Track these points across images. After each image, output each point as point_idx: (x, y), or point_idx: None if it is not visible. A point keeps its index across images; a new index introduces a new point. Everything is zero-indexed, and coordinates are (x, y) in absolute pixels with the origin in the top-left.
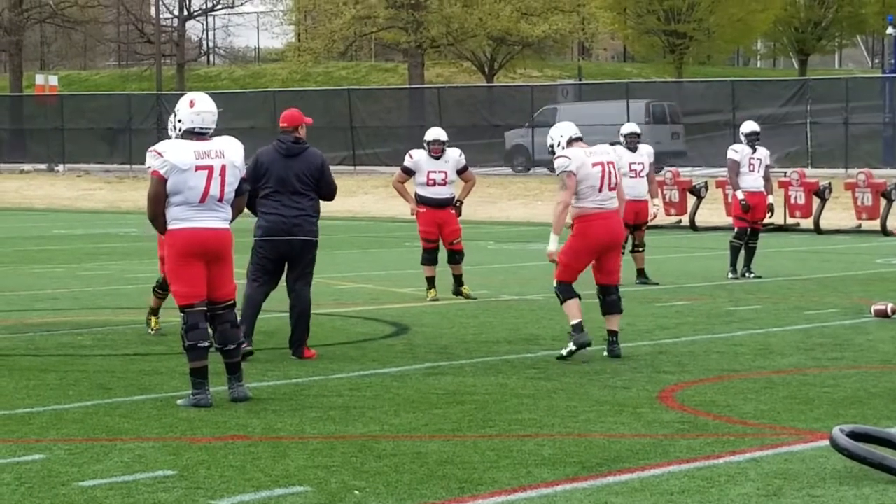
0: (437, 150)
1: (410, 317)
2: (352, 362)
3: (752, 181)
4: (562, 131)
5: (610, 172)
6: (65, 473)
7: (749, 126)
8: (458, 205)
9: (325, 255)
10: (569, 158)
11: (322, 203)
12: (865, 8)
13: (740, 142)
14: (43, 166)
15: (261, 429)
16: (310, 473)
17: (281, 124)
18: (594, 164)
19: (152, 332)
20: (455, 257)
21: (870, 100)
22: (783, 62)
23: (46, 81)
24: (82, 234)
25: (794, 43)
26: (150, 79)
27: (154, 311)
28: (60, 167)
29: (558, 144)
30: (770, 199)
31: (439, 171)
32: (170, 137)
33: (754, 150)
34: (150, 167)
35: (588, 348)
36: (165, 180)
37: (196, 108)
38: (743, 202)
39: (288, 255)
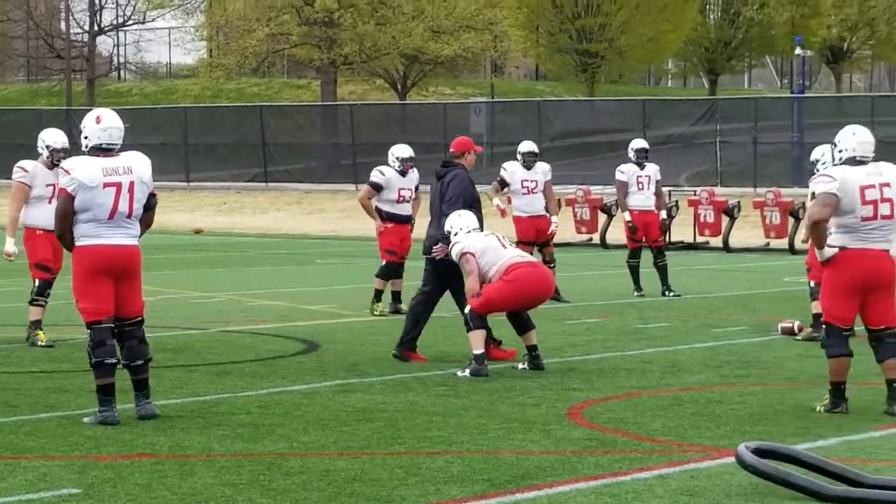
0: (409, 167)
1: (321, 334)
2: (261, 379)
3: (642, 200)
4: (462, 223)
5: (502, 237)
6: None
7: (638, 143)
8: (412, 223)
9: (236, 272)
10: (460, 242)
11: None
12: (774, 29)
13: (630, 160)
14: None
15: (168, 447)
16: (217, 491)
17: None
18: (486, 235)
19: (41, 345)
20: (400, 271)
21: (778, 119)
22: (693, 82)
23: None
24: None
25: (704, 63)
26: (59, 94)
27: (37, 324)
28: None
29: (456, 234)
30: (662, 214)
31: (407, 189)
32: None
33: (642, 168)
34: (14, 181)
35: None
36: (73, 198)
37: (103, 124)
38: (630, 224)
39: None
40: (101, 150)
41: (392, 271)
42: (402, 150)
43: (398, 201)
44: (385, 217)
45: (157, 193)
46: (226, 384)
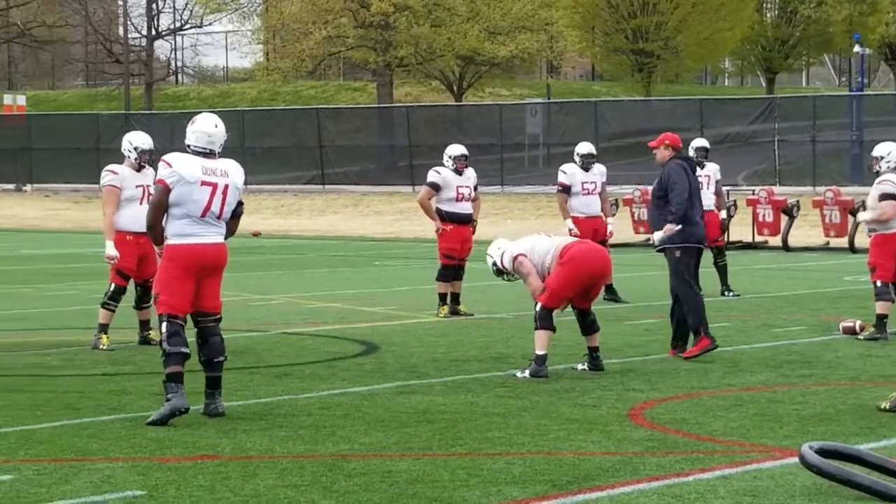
0: (463, 166)
1: (380, 335)
2: (321, 381)
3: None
4: (502, 247)
5: (542, 232)
6: (33, 494)
7: (698, 142)
8: (474, 224)
9: (294, 275)
10: (508, 250)
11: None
12: (832, 26)
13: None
14: (11, 186)
15: (230, 448)
16: (279, 493)
17: (676, 146)
18: (528, 237)
19: (103, 349)
20: (459, 273)
21: (837, 118)
22: (751, 80)
23: (14, 101)
24: (50, 255)
25: (761, 61)
26: (118, 98)
27: (104, 328)
28: (28, 187)
29: (499, 248)
30: (722, 213)
31: (465, 187)
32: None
33: (702, 168)
34: (104, 185)
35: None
36: (169, 190)
37: (194, 126)
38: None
39: (697, 259)
40: (197, 153)
41: (450, 274)
42: (454, 149)
43: (457, 200)
44: (445, 217)
45: (244, 202)
46: (287, 386)
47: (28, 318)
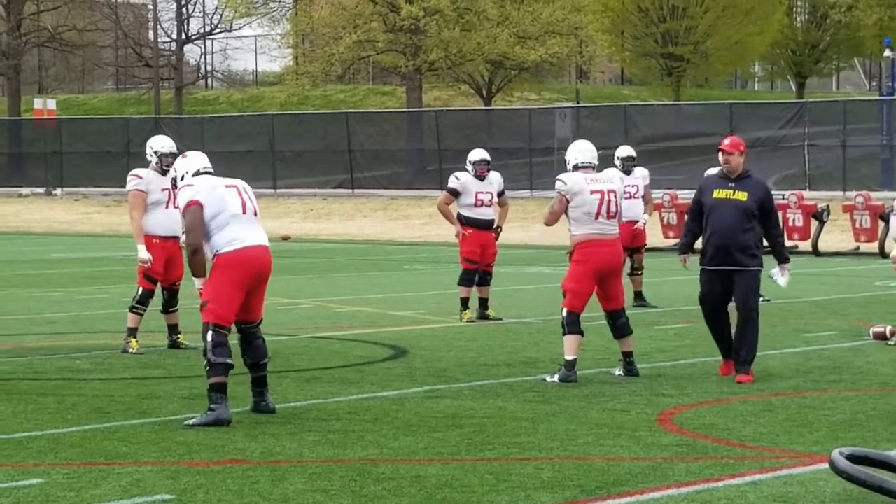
0: (483, 171)
1: (409, 340)
2: (350, 385)
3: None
4: (573, 154)
5: (609, 201)
6: (63, 498)
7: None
8: (497, 230)
9: (323, 279)
10: (565, 183)
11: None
12: (863, 31)
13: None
14: (41, 190)
15: (259, 452)
16: (308, 497)
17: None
18: (592, 192)
19: (132, 352)
20: (487, 279)
21: (867, 122)
22: (781, 85)
23: (45, 105)
24: (80, 258)
25: (791, 66)
26: (148, 102)
27: (133, 332)
28: (59, 191)
29: (566, 164)
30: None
31: (486, 192)
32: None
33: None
34: (130, 189)
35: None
36: (202, 206)
37: (189, 157)
38: None
39: (727, 283)
40: (205, 174)
41: (470, 279)
42: (474, 154)
43: (476, 205)
44: (465, 222)
45: None
46: (315, 390)
47: (58, 321)
